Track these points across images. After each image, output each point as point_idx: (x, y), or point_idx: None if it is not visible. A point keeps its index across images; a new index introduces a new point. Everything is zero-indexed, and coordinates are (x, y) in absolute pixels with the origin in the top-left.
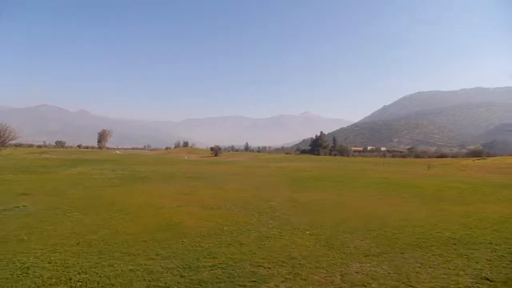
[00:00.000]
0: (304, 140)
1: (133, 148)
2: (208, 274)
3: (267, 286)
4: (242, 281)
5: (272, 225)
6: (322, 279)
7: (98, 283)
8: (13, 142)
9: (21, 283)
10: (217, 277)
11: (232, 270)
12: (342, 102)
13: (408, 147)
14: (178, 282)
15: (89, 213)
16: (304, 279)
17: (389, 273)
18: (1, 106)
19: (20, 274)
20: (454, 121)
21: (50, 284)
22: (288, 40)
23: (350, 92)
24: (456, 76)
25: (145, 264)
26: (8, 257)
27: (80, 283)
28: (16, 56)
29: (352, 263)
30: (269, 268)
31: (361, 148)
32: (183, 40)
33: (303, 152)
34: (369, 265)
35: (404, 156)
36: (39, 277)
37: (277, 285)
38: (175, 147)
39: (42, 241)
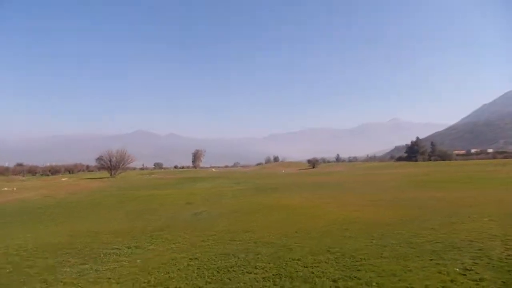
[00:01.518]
0: (396, 148)
1: (225, 166)
2: (431, 246)
3: (496, 252)
4: (469, 250)
5: (442, 215)
6: None
7: (355, 251)
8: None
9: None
10: (444, 247)
11: (449, 243)
12: (434, 105)
13: None
14: (417, 251)
15: (264, 214)
16: None
17: None
18: (100, 134)
19: (290, 261)
20: None
21: (314, 254)
22: (371, 42)
23: (442, 93)
24: None
25: (375, 242)
26: (264, 240)
27: (338, 252)
28: (111, 85)
29: None
30: (482, 242)
31: (463, 152)
32: (262, 53)
33: (399, 159)
34: None
35: None
36: (302, 250)
37: (503, 252)
38: (266, 163)
39: (264, 231)
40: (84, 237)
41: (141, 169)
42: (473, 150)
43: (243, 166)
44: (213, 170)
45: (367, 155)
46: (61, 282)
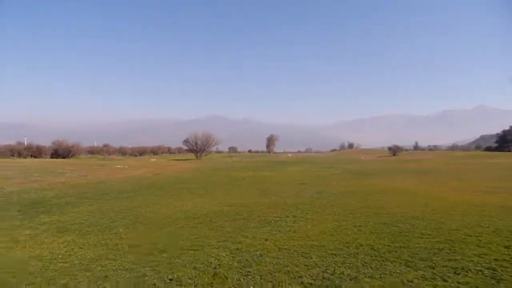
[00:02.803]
0: (481, 137)
1: (298, 151)
2: None
3: None
4: None
5: None
6: None
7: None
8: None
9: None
10: None
11: None
12: None
13: None
14: None
15: (384, 195)
16: None
17: None
18: (173, 119)
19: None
20: None
21: (466, 227)
22: (456, 24)
23: None
24: None
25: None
26: (409, 215)
27: (490, 227)
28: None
29: None
30: None
31: None
32: (332, 40)
33: (488, 149)
34: None
35: None
36: (452, 224)
37: None
38: (340, 149)
39: (400, 209)
40: (241, 207)
41: (217, 152)
42: None
43: (316, 152)
44: (289, 155)
45: (453, 144)
46: (262, 238)
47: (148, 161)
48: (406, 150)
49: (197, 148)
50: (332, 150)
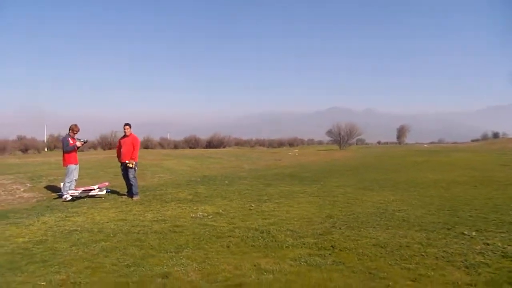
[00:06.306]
0: None
1: (431, 143)
2: None
3: None
4: None
5: None
6: None
7: None
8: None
9: None
10: None
11: None
12: None
13: None
14: None
15: None
16: None
17: None
18: (295, 112)
19: None
20: None
21: None
22: None
23: None
24: None
25: None
26: None
27: None
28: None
29: None
30: None
31: None
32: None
33: None
34: None
35: None
36: None
37: None
38: (482, 139)
39: None
40: (479, 178)
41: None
42: None
43: (454, 143)
44: (425, 145)
45: None
46: None
47: (293, 151)
48: None
49: (340, 138)
50: (473, 140)
